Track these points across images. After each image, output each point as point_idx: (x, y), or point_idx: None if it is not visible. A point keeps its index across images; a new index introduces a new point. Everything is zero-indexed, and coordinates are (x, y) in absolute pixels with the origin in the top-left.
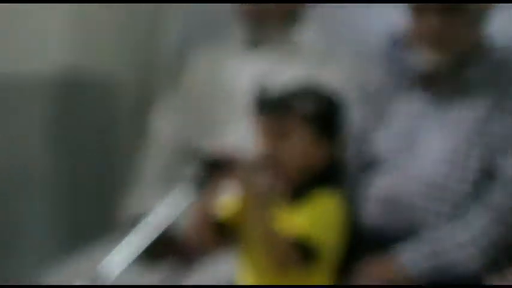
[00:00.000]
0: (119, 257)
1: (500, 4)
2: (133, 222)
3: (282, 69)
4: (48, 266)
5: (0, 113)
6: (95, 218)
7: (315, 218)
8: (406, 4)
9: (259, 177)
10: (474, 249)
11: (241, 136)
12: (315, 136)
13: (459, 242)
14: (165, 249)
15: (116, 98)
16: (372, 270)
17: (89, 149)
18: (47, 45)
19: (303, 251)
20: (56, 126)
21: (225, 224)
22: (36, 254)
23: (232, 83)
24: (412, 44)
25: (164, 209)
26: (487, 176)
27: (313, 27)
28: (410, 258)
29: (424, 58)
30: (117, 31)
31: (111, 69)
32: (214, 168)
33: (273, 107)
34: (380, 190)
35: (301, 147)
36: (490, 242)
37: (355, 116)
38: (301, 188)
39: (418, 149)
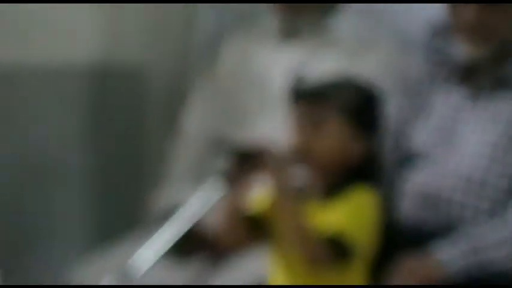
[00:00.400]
0: (148, 252)
1: None
2: (163, 217)
3: (318, 60)
4: (78, 261)
5: (31, 105)
6: (125, 212)
7: (350, 215)
8: None
9: (292, 170)
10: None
11: (273, 128)
12: (351, 129)
13: (497, 240)
14: (195, 244)
15: (147, 91)
16: (409, 267)
17: (119, 142)
18: (78, 36)
19: (337, 249)
20: (85, 120)
21: (256, 218)
22: (66, 249)
23: (266, 73)
24: (452, 35)
25: (194, 203)
26: None
27: (350, 17)
28: (447, 255)
29: (463, 50)
30: (149, 22)
31: (142, 60)
32: (246, 161)
33: (308, 98)
34: (418, 185)
35: (336, 141)
36: None
37: (393, 109)
38: (335, 183)
39: (457, 143)
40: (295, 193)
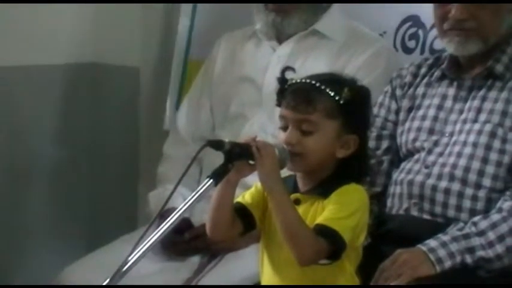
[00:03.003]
0: (141, 250)
1: None
2: (156, 216)
3: (307, 59)
4: (70, 262)
5: (22, 104)
6: (117, 211)
7: (341, 211)
8: None
9: (280, 161)
10: (502, 247)
11: (262, 125)
12: (339, 128)
13: (488, 240)
14: (189, 241)
15: (138, 91)
16: (401, 258)
17: (112, 141)
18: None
19: (328, 243)
20: (76, 120)
21: (249, 213)
22: (57, 249)
23: (255, 72)
24: (441, 33)
25: (188, 200)
26: None
27: (339, 16)
28: (439, 253)
29: (453, 47)
30: (136, 23)
31: (131, 59)
32: (237, 157)
33: (297, 97)
34: (414, 177)
35: (325, 140)
36: None
37: (382, 108)
38: (325, 181)
39: (453, 135)
40: (284, 185)
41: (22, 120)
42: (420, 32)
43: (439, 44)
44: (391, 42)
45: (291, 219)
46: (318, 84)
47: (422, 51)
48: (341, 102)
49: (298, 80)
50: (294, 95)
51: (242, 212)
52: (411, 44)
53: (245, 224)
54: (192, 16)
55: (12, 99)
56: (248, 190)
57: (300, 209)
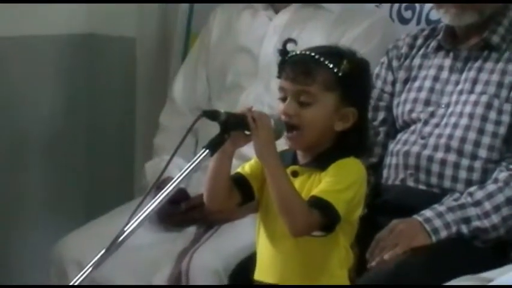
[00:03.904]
0: (138, 221)
1: None
2: (153, 186)
3: (306, 30)
4: (67, 233)
5: (17, 75)
6: (113, 182)
7: (338, 183)
8: None
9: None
10: (497, 218)
11: (258, 95)
12: (337, 101)
13: (484, 210)
14: (186, 212)
15: (135, 61)
16: (397, 228)
17: (108, 113)
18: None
19: (322, 214)
20: (73, 91)
21: (248, 183)
22: (54, 220)
23: (253, 42)
24: (438, 5)
25: (184, 171)
26: None
27: None
28: (434, 224)
29: (449, 18)
30: None
31: (127, 30)
32: (233, 127)
33: (296, 69)
34: (410, 148)
35: (323, 113)
36: None
37: (378, 79)
38: (324, 154)
39: (449, 106)
40: (278, 155)
41: (17, 91)
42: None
43: (435, 15)
44: (387, 13)
45: (284, 190)
46: (317, 56)
47: (418, 22)
48: (340, 74)
49: (298, 52)
50: (293, 66)
51: (241, 182)
52: (407, 14)
53: (244, 194)
54: None
55: (7, 70)
56: (247, 162)
57: (297, 181)
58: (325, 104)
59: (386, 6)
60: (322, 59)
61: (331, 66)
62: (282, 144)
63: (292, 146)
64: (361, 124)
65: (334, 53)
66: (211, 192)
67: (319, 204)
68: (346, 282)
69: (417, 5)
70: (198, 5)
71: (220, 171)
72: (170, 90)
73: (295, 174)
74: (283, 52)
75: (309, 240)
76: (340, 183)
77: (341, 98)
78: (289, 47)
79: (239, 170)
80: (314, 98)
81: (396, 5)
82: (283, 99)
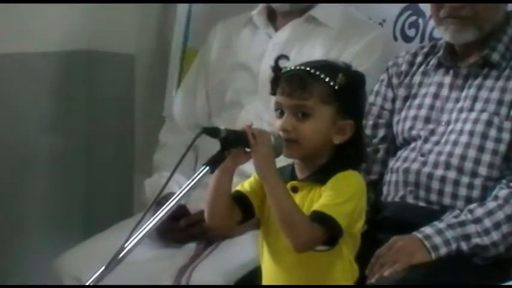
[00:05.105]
0: (138, 237)
1: None
2: (153, 203)
3: (302, 47)
4: (66, 249)
5: (16, 92)
6: (113, 199)
7: (338, 197)
8: None
9: (275, 148)
10: (498, 235)
11: (258, 113)
12: (334, 113)
13: (484, 227)
14: (185, 227)
15: (134, 78)
16: (398, 245)
17: (107, 129)
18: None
19: (324, 228)
20: (72, 107)
21: (248, 201)
22: (53, 236)
23: (252, 58)
24: (437, 20)
25: (184, 188)
26: None
27: (334, 4)
28: (434, 241)
29: (448, 33)
30: (131, 10)
31: (126, 46)
32: (233, 144)
33: (291, 85)
34: (410, 165)
35: (321, 126)
36: None
37: (378, 96)
38: (322, 168)
39: (449, 123)
40: (278, 172)
41: (16, 108)
42: (420, 21)
43: (438, 33)
44: (391, 31)
45: (285, 206)
46: (312, 71)
47: (422, 40)
48: (336, 87)
49: (293, 67)
50: (289, 81)
51: (241, 200)
52: (411, 32)
53: (244, 212)
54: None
55: (6, 87)
56: (247, 179)
57: (298, 197)
58: (322, 117)
59: (390, 24)
60: (318, 73)
61: (327, 79)
62: (281, 161)
63: (291, 157)
64: (356, 136)
65: (329, 66)
66: (212, 210)
67: (321, 218)
68: None
69: (421, 23)
70: (195, 20)
71: (221, 189)
72: (167, 107)
73: (295, 189)
74: (276, 69)
75: (313, 254)
76: (340, 196)
77: (338, 111)
78: (282, 63)
79: (238, 187)
80: (311, 112)
81: (400, 23)
82: (280, 115)
